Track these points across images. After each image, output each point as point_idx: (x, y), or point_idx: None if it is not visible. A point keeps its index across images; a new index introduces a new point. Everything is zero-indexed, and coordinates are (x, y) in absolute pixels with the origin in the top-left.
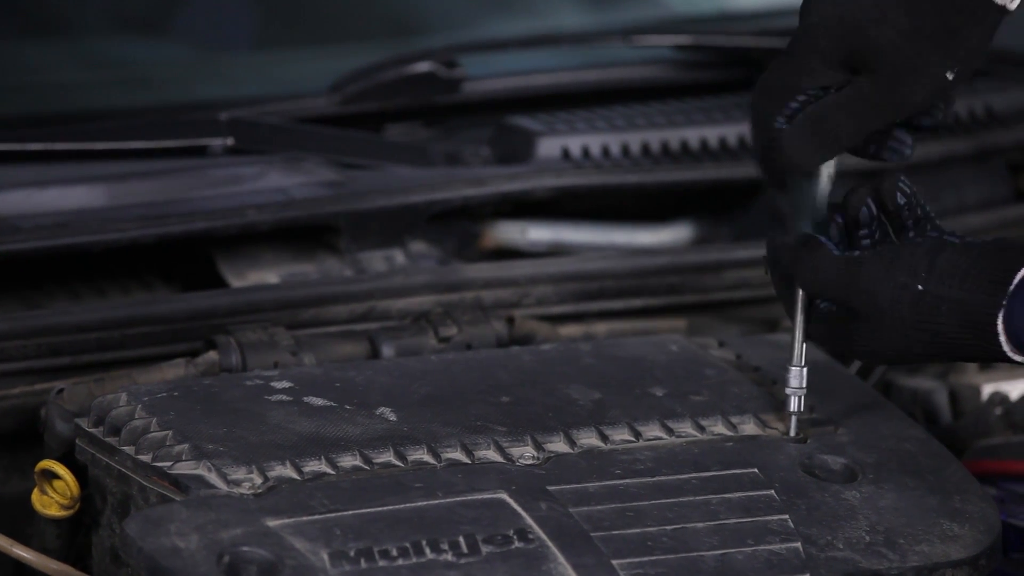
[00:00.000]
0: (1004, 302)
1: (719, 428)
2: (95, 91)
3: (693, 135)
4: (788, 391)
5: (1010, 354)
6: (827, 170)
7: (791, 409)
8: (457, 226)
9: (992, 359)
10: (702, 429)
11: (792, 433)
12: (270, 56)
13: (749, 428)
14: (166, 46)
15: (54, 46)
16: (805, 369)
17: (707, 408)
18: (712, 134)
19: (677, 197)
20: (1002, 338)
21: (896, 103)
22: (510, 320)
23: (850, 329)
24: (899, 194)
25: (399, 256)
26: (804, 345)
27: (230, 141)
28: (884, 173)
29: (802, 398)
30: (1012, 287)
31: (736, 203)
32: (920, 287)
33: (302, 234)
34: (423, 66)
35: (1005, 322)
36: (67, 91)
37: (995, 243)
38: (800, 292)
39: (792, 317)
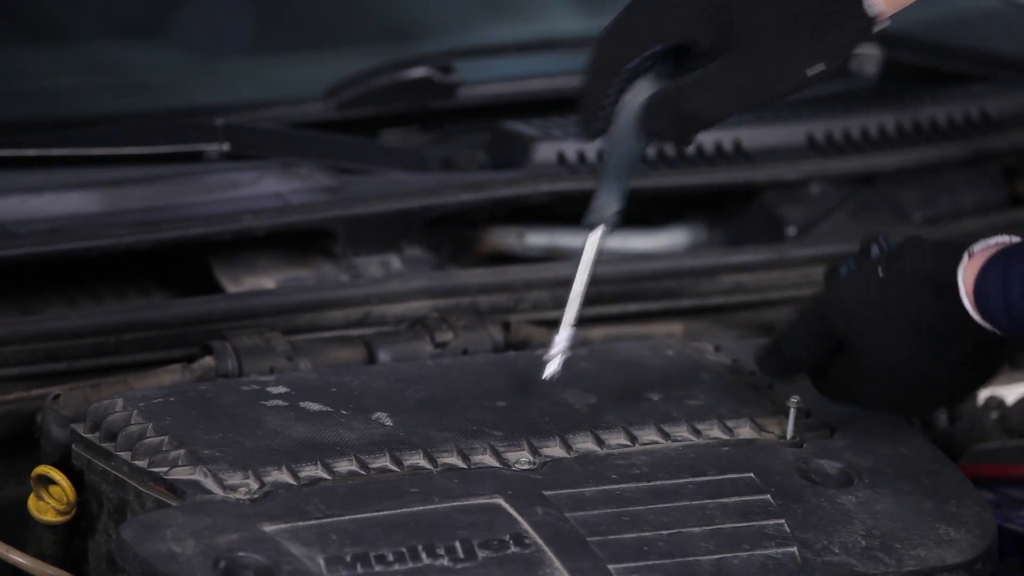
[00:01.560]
0: (964, 258)
1: (715, 432)
2: (91, 96)
3: None
4: (546, 356)
5: (974, 316)
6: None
7: (545, 375)
8: (453, 231)
9: (965, 333)
10: (698, 433)
11: None
12: (266, 61)
13: (745, 432)
14: (162, 51)
15: (50, 51)
16: (575, 331)
17: (703, 412)
18: (707, 139)
19: (673, 202)
20: (965, 298)
21: (760, 93)
22: (506, 325)
23: (849, 362)
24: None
25: (395, 261)
26: (581, 305)
27: (226, 146)
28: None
29: (560, 360)
30: (975, 249)
31: (732, 208)
32: (882, 274)
33: (298, 239)
34: (419, 71)
35: (976, 287)
36: (63, 96)
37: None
38: (592, 242)
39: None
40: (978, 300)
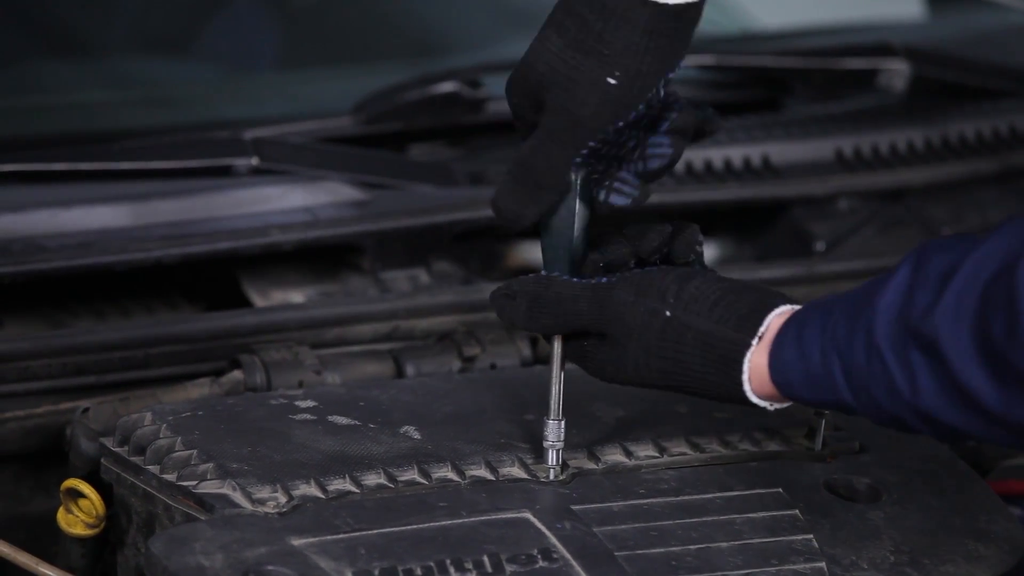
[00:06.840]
0: (753, 342)
1: (744, 444)
2: (119, 111)
3: (717, 155)
4: (546, 444)
5: (751, 397)
6: (579, 219)
7: (549, 463)
8: (481, 245)
9: (730, 398)
10: (727, 444)
11: None
12: (294, 76)
13: (773, 444)
14: (190, 66)
15: (78, 66)
16: (563, 422)
17: (731, 424)
18: (736, 154)
19: (701, 217)
20: (745, 378)
21: (570, 125)
22: (534, 340)
23: (598, 351)
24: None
25: (423, 276)
26: (562, 398)
27: (255, 161)
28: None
29: (560, 452)
30: (763, 328)
31: (760, 223)
32: (668, 313)
33: (326, 254)
34: (447, 86)
35: (771, 369)
36: (92, 111)
37: (747, 281)
38: (557, 345)
39: (551, 370)
40: (774, 373)
